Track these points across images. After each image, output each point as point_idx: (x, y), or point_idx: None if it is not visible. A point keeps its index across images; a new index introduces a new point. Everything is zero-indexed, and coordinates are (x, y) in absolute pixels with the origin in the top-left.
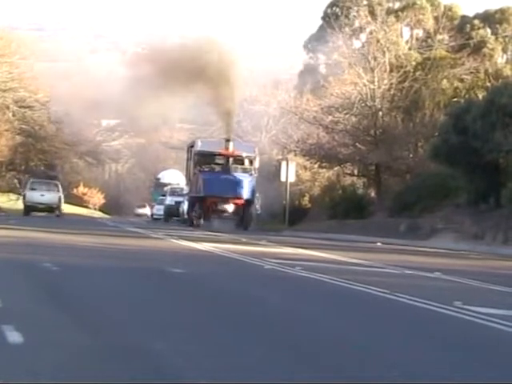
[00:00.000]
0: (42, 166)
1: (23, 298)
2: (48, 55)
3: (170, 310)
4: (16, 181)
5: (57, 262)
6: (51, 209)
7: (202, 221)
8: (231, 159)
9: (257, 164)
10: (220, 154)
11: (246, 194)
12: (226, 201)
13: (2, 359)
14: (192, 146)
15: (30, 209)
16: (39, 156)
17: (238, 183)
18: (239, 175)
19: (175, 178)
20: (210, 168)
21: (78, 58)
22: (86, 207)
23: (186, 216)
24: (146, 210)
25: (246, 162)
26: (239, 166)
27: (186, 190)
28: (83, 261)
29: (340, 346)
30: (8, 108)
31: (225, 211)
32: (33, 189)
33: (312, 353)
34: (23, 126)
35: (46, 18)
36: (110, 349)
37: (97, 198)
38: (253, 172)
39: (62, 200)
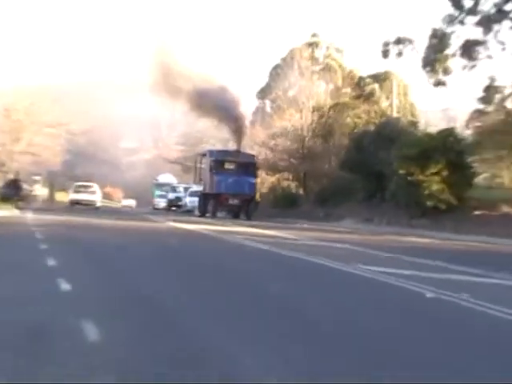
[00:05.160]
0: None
1: (72, 261)
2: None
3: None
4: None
5: (96, 237)
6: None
7: (216, 213)
8: (239, 165)
9: (257, 169)
10: (232, 161)
11: (250, 191)
12: (236, 197)
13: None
14: (204, 155)
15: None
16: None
17: (244, 183)
18: (245, 177)
19: (169, 179)
20: (223, 171)
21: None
22: (112, 200)
23: (186, 208)
24: (129, 202)
25: (250, 167)
26: (245, 170)
27: (195, 187)
28: (110, 237)
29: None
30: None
31: (234, 205)
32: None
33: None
34: (68, 146)
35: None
36: (133, 298)
37: (119, 194)
38: (255, 175)
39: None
